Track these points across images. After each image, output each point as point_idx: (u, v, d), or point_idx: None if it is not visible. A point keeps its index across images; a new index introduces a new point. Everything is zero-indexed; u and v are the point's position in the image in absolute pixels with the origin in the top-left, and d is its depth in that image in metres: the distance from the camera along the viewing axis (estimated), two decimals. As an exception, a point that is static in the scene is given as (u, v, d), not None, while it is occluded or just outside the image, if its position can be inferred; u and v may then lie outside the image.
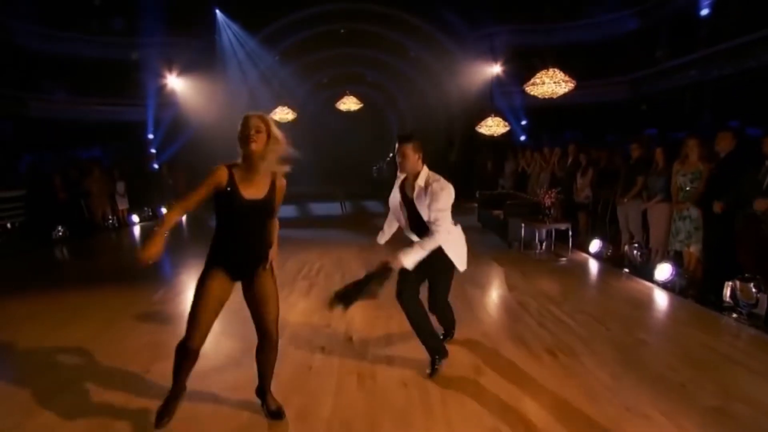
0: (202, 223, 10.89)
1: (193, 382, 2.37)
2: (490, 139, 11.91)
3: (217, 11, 15.89)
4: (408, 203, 2.65)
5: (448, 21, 15.84)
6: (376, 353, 2.96)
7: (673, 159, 4.94)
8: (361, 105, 11.18)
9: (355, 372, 2.69)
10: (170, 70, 15.37)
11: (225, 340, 3.13)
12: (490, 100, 10.65)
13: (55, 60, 14.85)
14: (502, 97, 15.12)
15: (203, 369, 2.67)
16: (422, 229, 2.59)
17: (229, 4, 15.57)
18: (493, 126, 8.27)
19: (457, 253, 2.67)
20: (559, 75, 5.54)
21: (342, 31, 16.19)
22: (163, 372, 2.47)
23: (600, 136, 12.46)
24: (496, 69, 15.45)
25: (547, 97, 5.89)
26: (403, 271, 2.56)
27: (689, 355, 2.90)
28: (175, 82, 15.24)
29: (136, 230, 9.95)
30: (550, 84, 5.50)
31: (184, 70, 15.31)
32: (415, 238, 2.68)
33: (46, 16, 14.44)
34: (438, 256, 2.58)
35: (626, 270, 5.00)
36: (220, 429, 2.18)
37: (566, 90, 5.70)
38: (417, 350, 3.02)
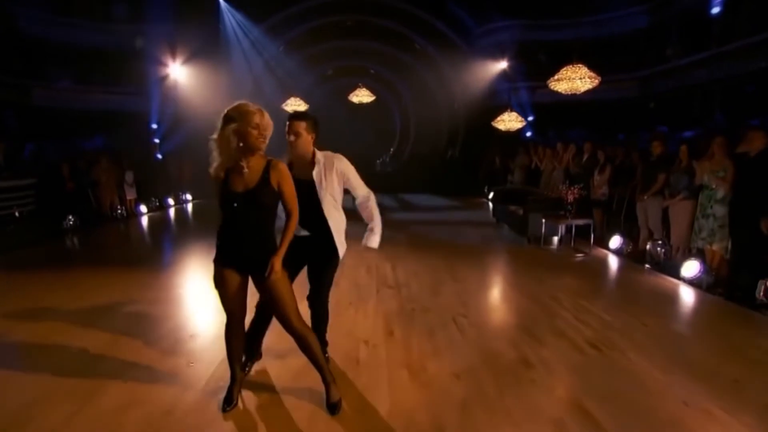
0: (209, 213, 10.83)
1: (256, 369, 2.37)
2: (497, 135, 11.91)
3: (221, 1, 15.73)
4: (304, 186, 2.33)
5: (455, 15, 15.74)
6: (421, 346, 2.97)
7: (696, 156, 4.97)
8: (374, 98, 11.11)
9: (405, 365, 2.69)
10: (174, 59, 15.21)
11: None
12: (508, 97, 10.62)
13: (58, 47, 14.64)
14: (511, 93, 15.08)
15: (265, 357, 2.69)
16: (319, 216, 2.41)
17: None
18: (509, 121, 8.26)
19: (341, 240, 2.52)
20: (584, 71, 5.52)
21: (348, 23, 16.09)
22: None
23: (607, 133, 12.49)
24: (502, 64, 15.42)
25: (570, 92, 5.87)
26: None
27: (735, 351, 2.93)
28: (179, 71, 15.07)
29: (144, 221, 9.88)
30: (575, 80, 5.48)
31: (189, 58, 15.15)
32: (304, 232, 2.46)
33: (51, 2, 14.21)
34: (326, 242, 2.44)
35: (648, 266, 5.04)
36: (282, 419, 2.18)
37: (590, 86, 5.69)
38: (462, 342, 3.04)
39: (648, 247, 5.15)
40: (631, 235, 6.08)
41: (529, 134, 15.21)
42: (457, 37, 15.85)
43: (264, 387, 2.46)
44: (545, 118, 15.26)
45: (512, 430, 2.08)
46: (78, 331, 3.26)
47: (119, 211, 9.71)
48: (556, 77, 5.74)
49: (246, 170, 2.02)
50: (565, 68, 5.62)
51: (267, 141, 2.03)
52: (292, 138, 2.38)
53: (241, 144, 1.98)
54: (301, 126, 2.36)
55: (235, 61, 16.13)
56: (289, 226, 2.09)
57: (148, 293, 4.18)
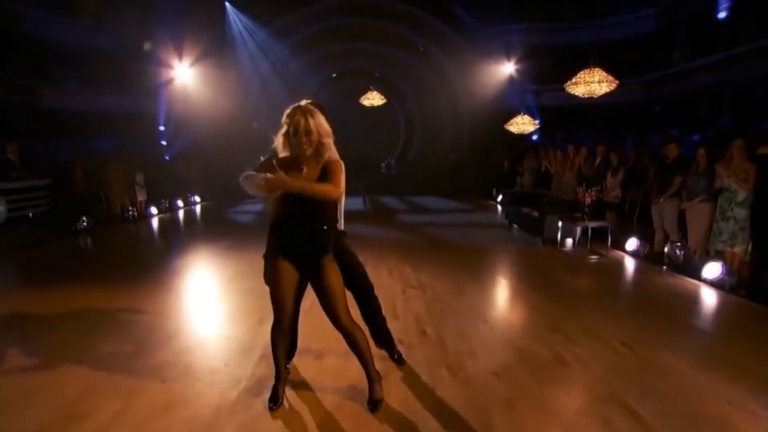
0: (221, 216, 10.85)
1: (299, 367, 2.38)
2: (504, 138, 11.92)
3: (227, 3, 15.83)
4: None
5: (461, 18, 15.80)
6: (456, 345, 2.99)
7: (714, 159, 5.01)
8: (385, 100, 11.14)
9: (443, 364, 2.72)
10: (181, 61, 15.29)
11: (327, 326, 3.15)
12: (519, 100, 10.64)
13: (66, 49, 14.70)
14: (517, 96, 15.14)
15: (303, 356, 2.71)
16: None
17: None
18: (522, 124, 8.30)
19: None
20: (601, 74, 5.56)
21: (353, 26, 16.15)
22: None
23: (614, 136, 12.53)
24: (509, 67, 15.46)
25: (587, 96, 5.91)
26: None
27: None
28: (187, 73, 15.16)
29: (155, 222, 9.91)
30: (592, 83, 5.52)
31: (196, 60, 15.23)
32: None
33: (58, 3, 14.28)
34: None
35: (666, 268, 5.07)
36: (328, 417, 2.20)
37: (607, 89, 5.74)
38: (496, 340, 3.06)
39: (666, 249, 5.18)
40: (644, 237, 6.12)
41: (535, 137, 15.23)
42: (462, 40, 15.89)
43: (305, 385, 2.48)
44: (552, 121, 15.27)
45: (560, 427, 2.10)
46: (107, 331, 3.28)
47: (130, 213, 9.73)
48: (573, 81, 5.78)
49: (305, 171, 2.09)
50: (582, 72, 5.66)
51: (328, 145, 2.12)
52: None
53: (309, 150, 2.07)
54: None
55: (241, 63, 16.22)
56: (319, 187, 2.06)
57: (169, 297, 4.21)
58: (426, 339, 3.10)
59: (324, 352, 2.81)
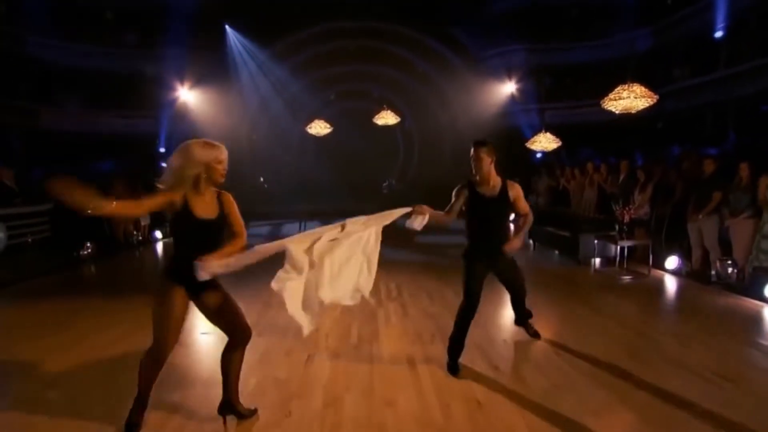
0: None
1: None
2: (509, 158, 11.77)
3: (227, 27, 15.91)
4: (489, 203, 2.90)
5: (461, 39, 16.04)
6: (535, 381, 2.70)
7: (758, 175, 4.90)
8: (399, 120, 11.03)
9: (527, 405, 2.42)
10: (182, 83, 15.23)
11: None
12: (525, 120, 10.63)
13: (67, 72, 14.54)
14: (519, 115, 15.25)
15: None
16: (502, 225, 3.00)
17: (238, 19, 15.60)
18: (545, 142, 8.22)
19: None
20: (641, 89, 5.48)
21: (352, 48, 16.29)
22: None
23: (619, 153, 12.52)
24: (510, 87, 15.62)
25: (624, 112, 5.83)
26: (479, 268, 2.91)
27: None
28: (187, 95, 15.08)
29: (159, 247, 9.52)
30: (631, 99, 5.43)
31: (196, 83, 15.18)
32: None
33: (60, 28, 14.19)
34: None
35: (716, 286, 4.87)
36: None
37: (646, 104, 5.66)
38: (579, 376, 2.78)
39: (716, 267, 4.97)
40: (680, 255, 5.95)
41: (539, 155, 15.26)
42: (462, 62, 16.09)
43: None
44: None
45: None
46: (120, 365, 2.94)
47: (134, 237, 9.34)
48: (610, 96, 5.70)
49: (206, 199, 2.15)
50: (620, 87, 5.58)
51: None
52: (474, 163, 2.87)
53: (205, 176, 2.12)
54: (483, 152, 2.84)
55: (241, 85, 16.20)
56: (237, 246, 2.18)
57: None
58: (500, 374, 2.81)
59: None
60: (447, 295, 4.58)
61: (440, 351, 2.99)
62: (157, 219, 10.83)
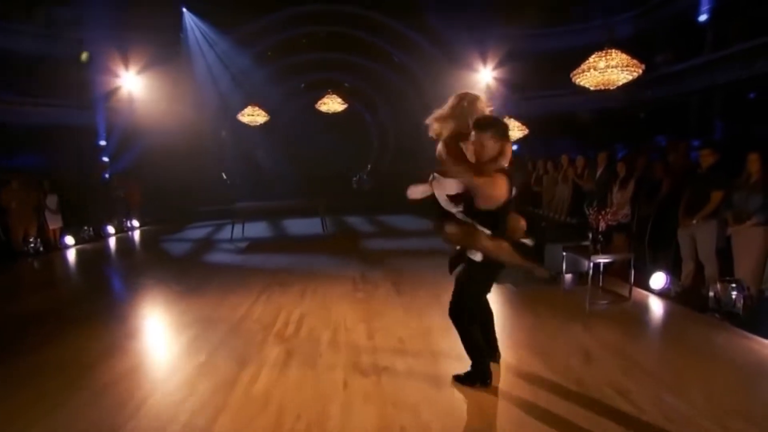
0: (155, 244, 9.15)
1: None
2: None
3: (184, 9, 14.39)
4: None
5: (435, 26, 14.98)
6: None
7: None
8: (346, 105, 9.73)
9: None
10: (127, 68, 13.66)
11: None
12: (505, 105, 9.44)
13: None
14: (495, 104, 14.17)
15: None
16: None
17: (196, 1, 14.14)
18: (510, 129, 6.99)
19: None
20: (621, 57, 4.26)
21: (322, 35, 15.18)
22: None
23: (598, 145, 11.60)
24: (486, 75, 14.80)
25: (601, 88, 4.62)
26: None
27: None
28: (133, 82, 13.53)
29: (70, 255, 8.06)
30: (608, 70, 4.21)
31: (144, 68, 13.64)
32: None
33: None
34: None
35: (716, 315, 3.73)
36: None
37: (629, 78, 4.45)
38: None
39: (716, 289, 3.84)
40: (667, 267, 4.88)
41: (515, 147, 14.40)
42: (436, 48, 15.06)
43: None
44: (531, 130, 14.44)
45: None
46: None
47: (32, 245, 7.86)
48: (581, 68, 4.49)
49: None
50: (594, 56, 4.36)
51: None
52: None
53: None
54: (486, 137, 2.36)
55: (198, 74, 14.75)
56: None
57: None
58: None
59: None
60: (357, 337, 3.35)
61: None
62: (77, 221, 9.43)
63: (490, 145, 2.35)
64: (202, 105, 14.55)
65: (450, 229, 2.33)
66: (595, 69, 4.19)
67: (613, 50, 4.27)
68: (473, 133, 2.39)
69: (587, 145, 11.65)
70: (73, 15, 13.98)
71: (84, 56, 13.84)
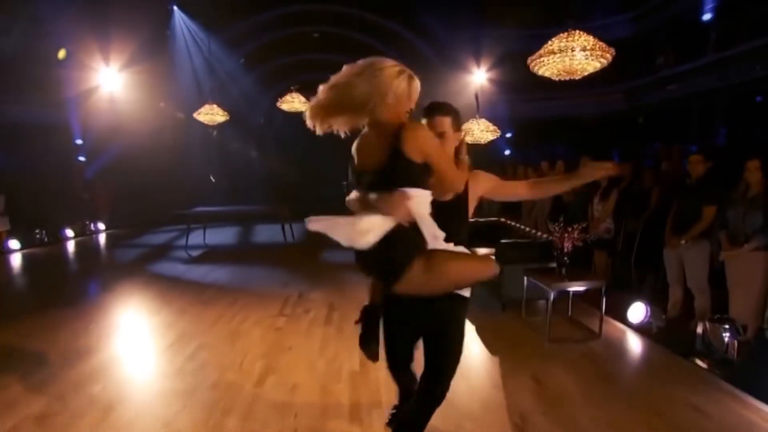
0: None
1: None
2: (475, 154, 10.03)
3: (175, 8, 13.92)
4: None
5: (427, 26, 14.42)
6: None
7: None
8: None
9: None
10: (107, 64, 13.14)
11: None
12: (476, 104, 8.81)
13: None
14: (485, 107, 13.52)
15: None
16: None
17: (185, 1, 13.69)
18: (478, 131, 6.25)
19: None
20: (585, 39, 3.50)
21: (314, 35, 14.68)
22: None
23: (596, 150, 10.89)
24: (479, 77, 14.18)
25: (564, 77, 3.87)
26: None
27: None
28: (114, 79, 13.01)
29: (13, 260, 7.43)
30: (569, 53, 3.45)
31: (127, 65, 13.11)
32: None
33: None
34: None
35: (703, 365, 2.96)
36: None
37: (597, 66, 3.71)
38: None
39: (705, 327, 3.07)
40: (641, 289, 4.16)
41: (507, 152, 13.85)
42: (429, 49, 14.49)
43: None
44: (525, 135, 13.91)
45: None
46: None
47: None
48: (538, 53, 3.74)
49: None
50: (555, 39, 3.61)
51: None
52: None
53: None
54: (446, 122, 1.78)
55: (183, 71, 14.25)
56: None
57: None
58: None
59: None
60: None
61: None
62: (34, 224, 8.88)
63: (451, 135, 1.77)
64: (187, 105, 14.05)
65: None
66: (553, 54, 3.43)
67: (578, 31, 3.52)
68: (424, 119, 1.79)
69: (583, 150, 10.90)
70: (49, 8, 13.50)
71: (62, 53, 13.30)
